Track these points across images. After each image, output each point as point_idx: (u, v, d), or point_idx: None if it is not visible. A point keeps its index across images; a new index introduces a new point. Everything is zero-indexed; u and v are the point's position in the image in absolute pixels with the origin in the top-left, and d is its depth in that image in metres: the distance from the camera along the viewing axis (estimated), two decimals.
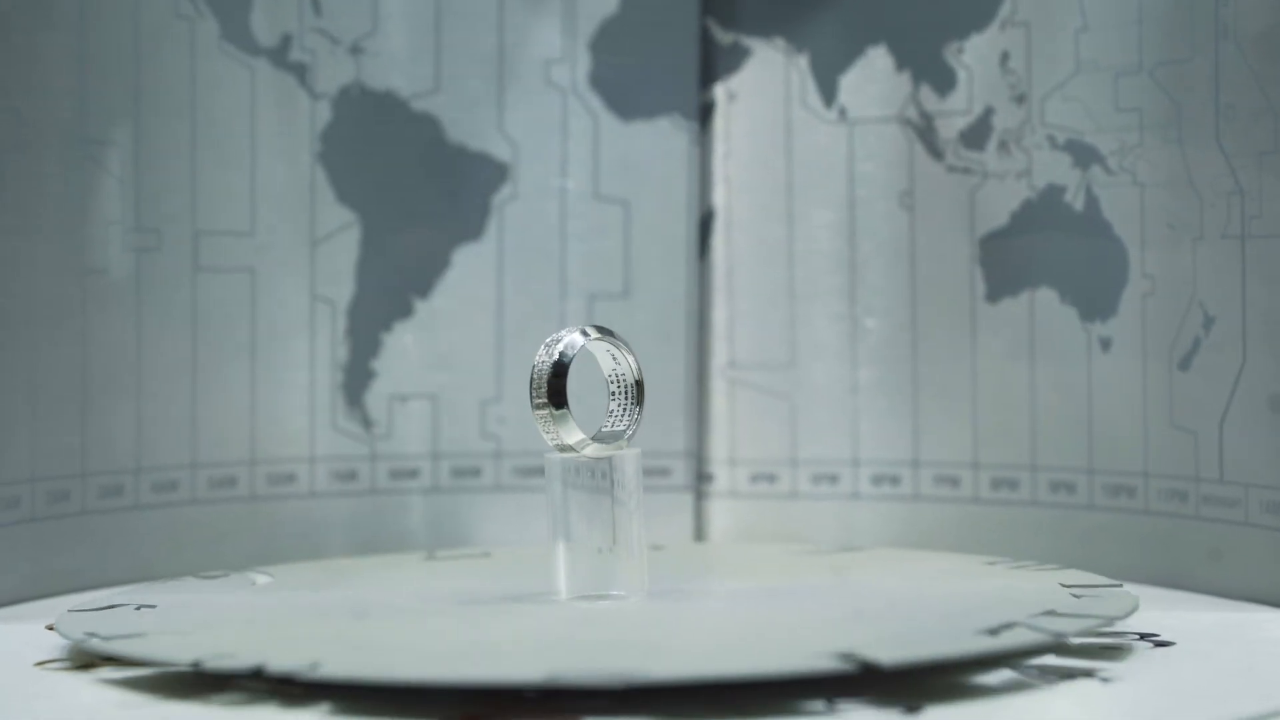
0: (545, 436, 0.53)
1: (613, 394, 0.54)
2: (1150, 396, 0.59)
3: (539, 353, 0.53)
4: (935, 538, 0.64)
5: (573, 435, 0.52)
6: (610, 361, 0.54)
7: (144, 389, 0.62)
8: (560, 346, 0.52)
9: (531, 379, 0.53)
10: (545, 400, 0.52)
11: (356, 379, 0.66)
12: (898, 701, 0.44)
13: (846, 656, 0.44)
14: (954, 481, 0.64)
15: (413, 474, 0.66)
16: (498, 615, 0.52)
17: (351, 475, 0.66)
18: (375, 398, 0.66)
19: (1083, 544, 0.61)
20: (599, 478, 0.53)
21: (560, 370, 0.52)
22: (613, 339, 0.53)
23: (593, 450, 0.53)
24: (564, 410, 0.52)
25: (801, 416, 0.66)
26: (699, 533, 0.67)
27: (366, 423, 0.66)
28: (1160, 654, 0.49)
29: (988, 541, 0.63)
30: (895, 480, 0.65)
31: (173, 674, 0.47)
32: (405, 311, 0.66)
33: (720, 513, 0.67)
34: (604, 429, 0.54)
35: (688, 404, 0.67)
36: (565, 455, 0.53)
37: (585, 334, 0.53)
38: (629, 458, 0.53)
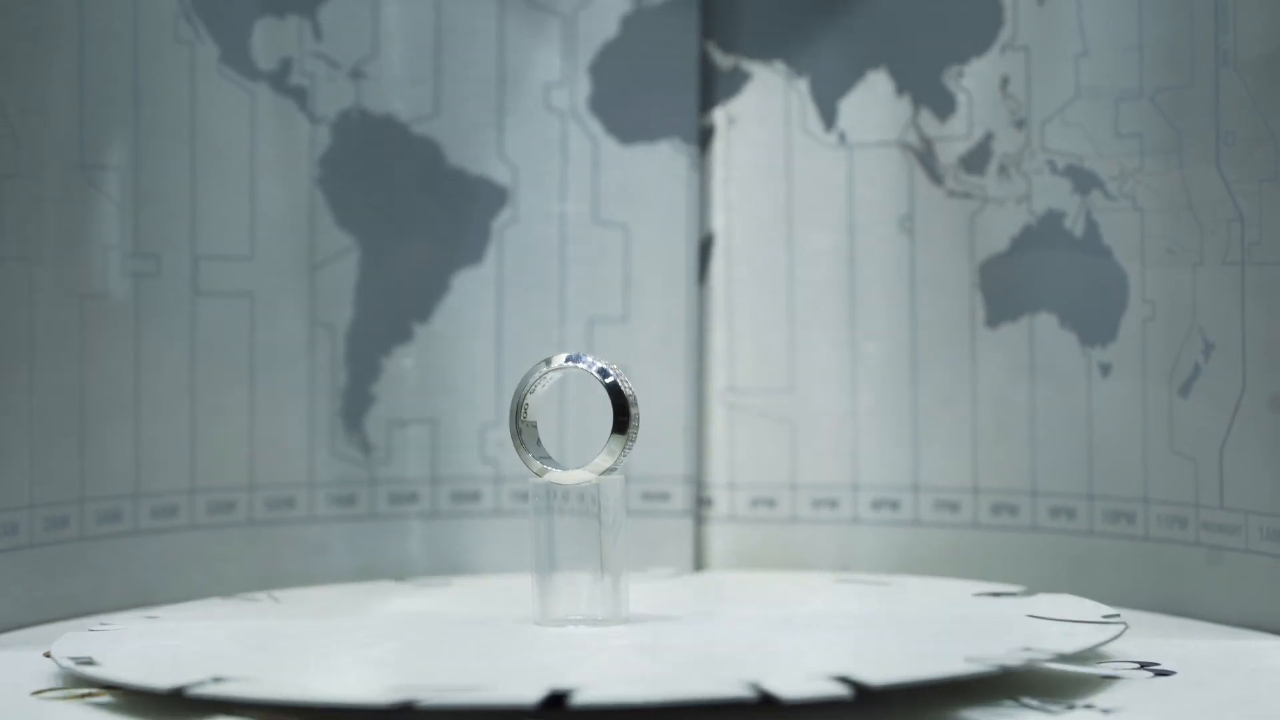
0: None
1: None
2: (1150, 422, 0.59)
3: None
4: (935, 563, 0.64)
5: (530, 463, 0.54)
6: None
7: (143, 414, 0.62)
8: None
9: None
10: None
11: (355, 403, 0.66)
12: None
13: (840, 679, 0.44)
14: (954, 506, 0.64)
15: (412, 498, 0.66)
16: (481, 640, 0.52)
17: (350, 500, 0.66)
18: (374, 422, 0.66)
19: (1082, 570, 0.61)
20: (588, 503, 0.53)
21: (515, 401, 0.54)
22: (578, 365, 0.54)
23: (553, 476, 0.54)
24: (516, 441, 0.54)
25: (801, 441, 0.66)
26: (698, 557, 0.67)
27: (365, 447, 0.66)
28: (1160, 684, 0.49)
29: (987, 567, 0.63)
30: (895, 505, 0.65)
31: (166, 701, 0.47)
32: (404, 336, 0.66)
33: (719, 537, 0.67)
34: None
35: (687, 429, 0.67)
36: (540, 480, 0.54)
37: (546, 365, 0.54)
38: (614, 483, 0.53)
